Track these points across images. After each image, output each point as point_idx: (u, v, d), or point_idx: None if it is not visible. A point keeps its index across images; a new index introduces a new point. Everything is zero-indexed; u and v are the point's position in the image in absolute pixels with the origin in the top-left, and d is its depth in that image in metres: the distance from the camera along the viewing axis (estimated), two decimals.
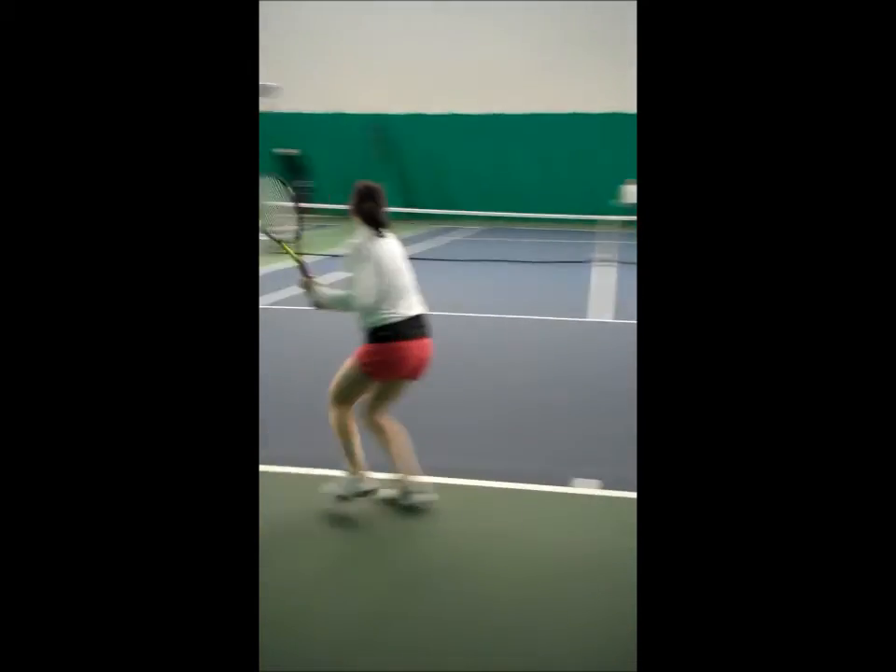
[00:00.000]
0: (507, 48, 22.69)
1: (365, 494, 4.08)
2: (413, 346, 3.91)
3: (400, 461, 4.08)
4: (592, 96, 22.89)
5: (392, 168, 24.60)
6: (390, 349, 3.88)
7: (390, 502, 4.11)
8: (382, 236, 3.93)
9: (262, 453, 2.53)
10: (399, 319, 3.87)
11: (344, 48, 23.57)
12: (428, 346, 3.99)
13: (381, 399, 4.07)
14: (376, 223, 3.92)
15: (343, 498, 4.06)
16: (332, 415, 4.06)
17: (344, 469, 4.08)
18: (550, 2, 21.50)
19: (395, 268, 3.92)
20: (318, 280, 4.03)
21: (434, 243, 18.12)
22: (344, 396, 4.03)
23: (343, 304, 3.91)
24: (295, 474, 4.55)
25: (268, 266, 10.94)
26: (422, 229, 21.21)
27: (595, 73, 22.64)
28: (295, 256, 4.11)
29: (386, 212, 3.96)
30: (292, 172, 26.60)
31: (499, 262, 14.31)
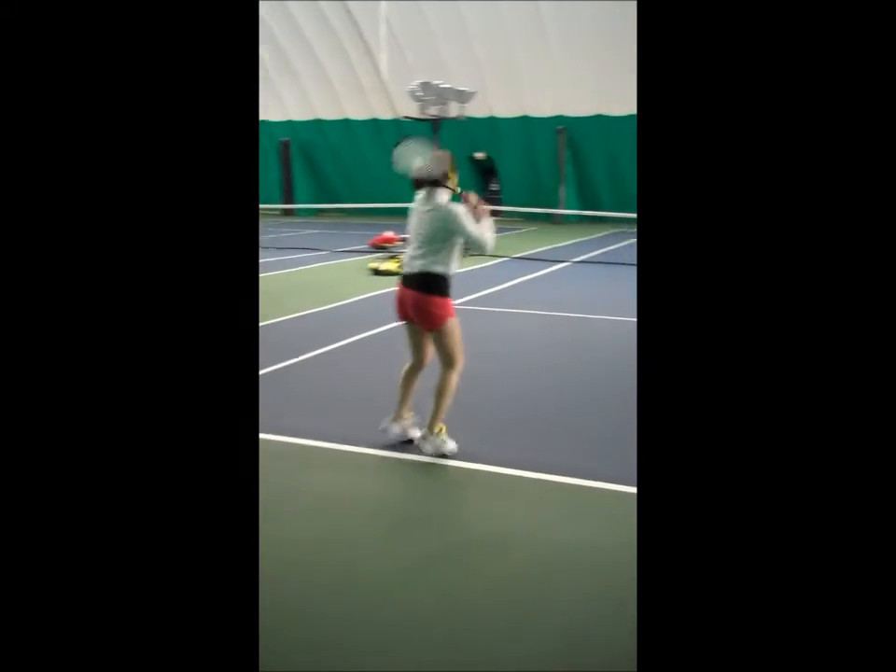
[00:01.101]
0: None
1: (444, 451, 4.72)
2: (400, 290, 4.74)
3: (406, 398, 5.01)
4: None
5: (576, 170, 25.10)
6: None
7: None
8: (427, 193, 4.64)
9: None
10: (402, 269, 4.78)
11: (531, 52, 24.06)
12: (410, 295, 4.64)
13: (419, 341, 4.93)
14: (416, 183, 4.69)
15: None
16: None
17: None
18: None
19: (414, 229, 4.71)
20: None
21: (610, 245, 18.26)
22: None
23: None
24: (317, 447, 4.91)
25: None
26: (602, 231, 21.42)
27: None
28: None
29: (438, 175, 4.57)
30: (483, 175, 27.63)
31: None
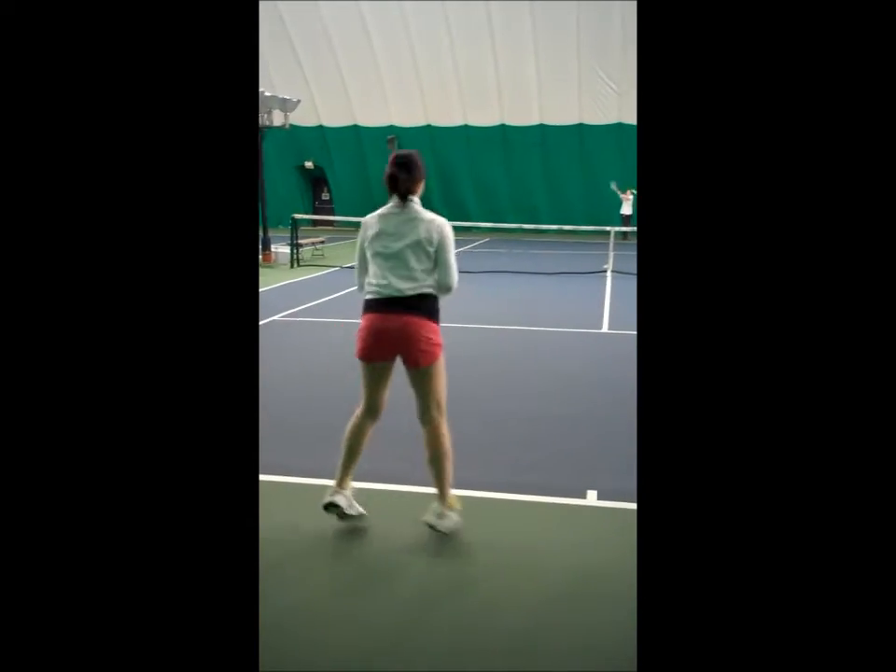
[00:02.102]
0: (519, 60, 23.09)
1: (342, 515, 3.85)
2: (379, 319, 3.69)
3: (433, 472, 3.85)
4: (599, 107, 23.35)
5: None
6: (363, 322, 3.76)
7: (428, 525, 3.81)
8: (400, 207, 3.72)
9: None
10: (374, 296, 3.72)
11: (358, 61, 23.97)
12: (404, 322, 3.66)
13: (414, 391, 3.82)
14: (392, 191, 3.71)
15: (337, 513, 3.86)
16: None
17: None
18: (558, 14, 21.88)
19: (387, 246, 3.70)
20: None
21: None
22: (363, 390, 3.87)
23: None
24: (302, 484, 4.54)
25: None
26: None
27: (600, 84, 23.07)
28: None
29: (413, 182, 3.71)
30: (313, 184, 27.25)
31: (510, 273, 14.63)
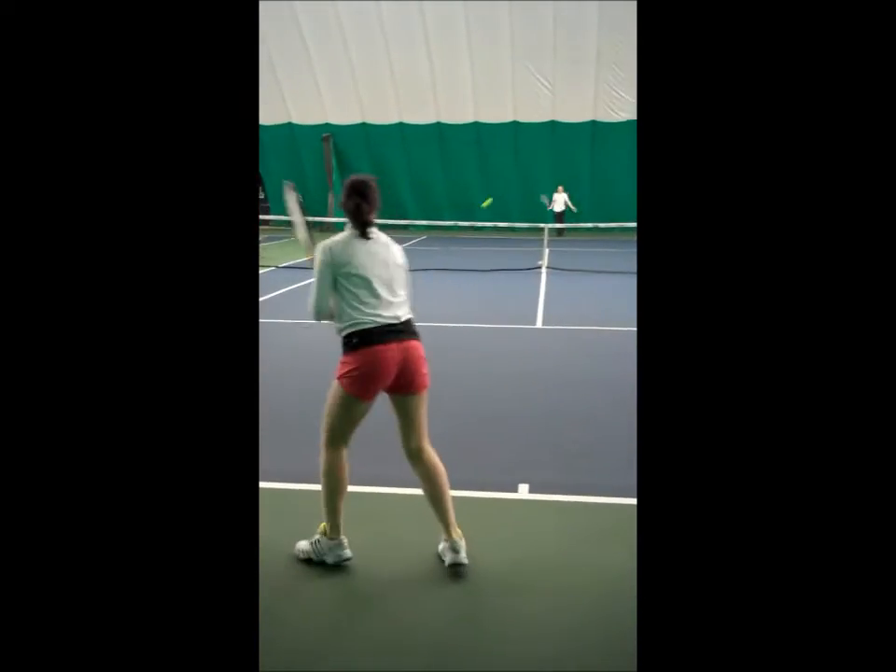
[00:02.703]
0: (453, 58, 23.21)
1: (341, 561, 3.57)
2: (385, 350, 3.45)
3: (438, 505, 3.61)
4: (533, 105, 23.63)
5: (342, 179, 25.06)
6: (360, 356, 3.45)
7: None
8: (367, 236, 3.54)
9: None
10: (371, 325, 3.46)
11: (292, 59, 23.80)
12: (412, 348, 3.53)
13: (404, 423, 3.62)
14: (359, 221, 3.54)
15: (311, 562, 3.60)
16: (321, 457, 3.57)
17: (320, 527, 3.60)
18: (491, 13, 22.06)
19: (371, 272, 3.50)
20: None
21: None
22: (330, 427, 3.56)
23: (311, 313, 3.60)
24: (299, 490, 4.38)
25: None
26: None
27: (533, 82, 23.36)
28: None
29: (374, 209, 3.58)
30: None
31: (446, 271, 14.71)
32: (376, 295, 3.50)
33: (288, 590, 3.42)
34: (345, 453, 3.60)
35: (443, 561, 3.55)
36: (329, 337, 3.81)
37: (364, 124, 25.00)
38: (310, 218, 3.96)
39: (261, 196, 27.07)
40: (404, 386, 3.54)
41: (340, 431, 3.55)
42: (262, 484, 4.38)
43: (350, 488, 3.64)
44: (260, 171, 26.40)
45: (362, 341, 3.46)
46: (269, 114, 24.97)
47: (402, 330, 3.51)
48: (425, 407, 3.62)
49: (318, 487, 3.62)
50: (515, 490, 4.44)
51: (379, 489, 4.43)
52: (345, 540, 3.58)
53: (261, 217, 22.24)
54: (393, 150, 25.01)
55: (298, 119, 25.24)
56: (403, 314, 3.56)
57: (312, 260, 3.64)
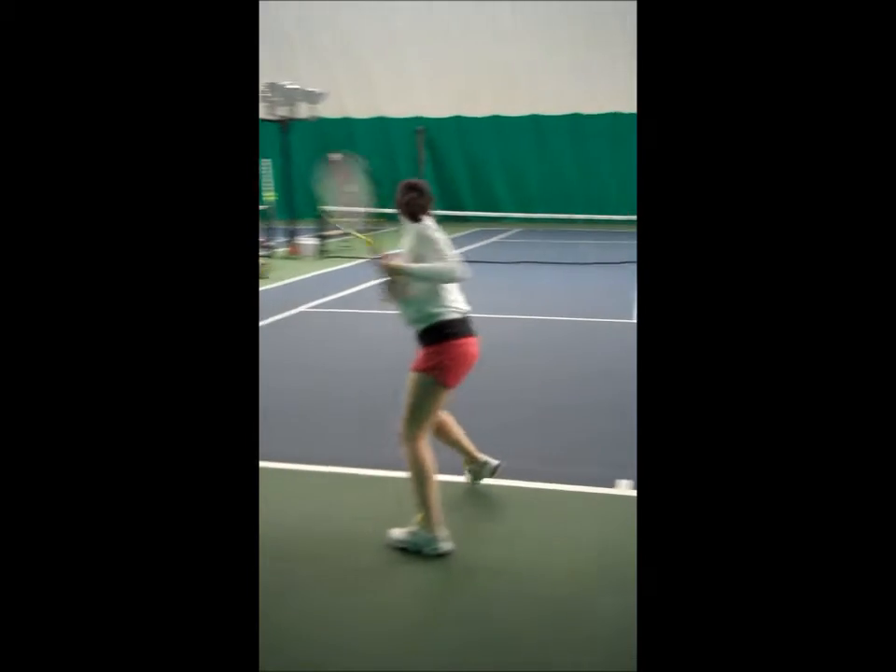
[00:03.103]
0: (548, 48, 22.83)
1: (438, 554, 3.53)
2: (472, 342, 3.66)
3: (464, 441, 4.10)
4: (632, 94, 23.01)
5: (436, 171, 24.94)
6: (453, 346, 3.57)
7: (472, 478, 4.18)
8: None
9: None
10: (458, 315, 3.64)
11: (385, 53, 23.84)
12: (476, 343, 3.71)
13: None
14: (416, 214, 3.68)
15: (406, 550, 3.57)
16: (406, 451, 3.58)
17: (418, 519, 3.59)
18: (590, 3, 21.57)
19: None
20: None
21: (473, 244, 18.36)
22: (417, 420, 3.59)
23: (439, 276, 3.56)
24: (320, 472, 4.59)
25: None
26: (464, 230, 21.54)
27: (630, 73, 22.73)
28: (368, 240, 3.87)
29: (430, 205, 3.73)
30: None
31: (539, 264, 14.44)
32: (455, 286, 3.71)
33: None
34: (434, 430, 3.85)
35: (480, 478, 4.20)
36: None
37: (458, 117, 24.79)
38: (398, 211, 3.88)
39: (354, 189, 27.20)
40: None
41: (427, 421, 3.65)
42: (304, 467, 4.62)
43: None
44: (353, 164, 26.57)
45: (458, 331, 3.62)
46: (361, 108, 25.07)
47: (471, 324, 3.75)
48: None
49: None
50: (612, 485, 4.40)
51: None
52: (443, 533, 3.55)
53: (353, 209, 22.31)
54: (486, 143, 24.72)
55: (390, 113, 25.19)
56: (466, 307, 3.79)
57: (379, 255, 3.68)
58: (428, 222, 3.68)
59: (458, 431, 4.09)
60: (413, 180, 3.86)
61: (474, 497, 4.26)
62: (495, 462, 4.22)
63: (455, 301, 3.65)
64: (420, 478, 3.53)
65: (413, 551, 3.54)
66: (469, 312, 3.71)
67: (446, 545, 3.54)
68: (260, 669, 2.07)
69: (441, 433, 4.04)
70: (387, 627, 3.06)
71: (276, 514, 3.86)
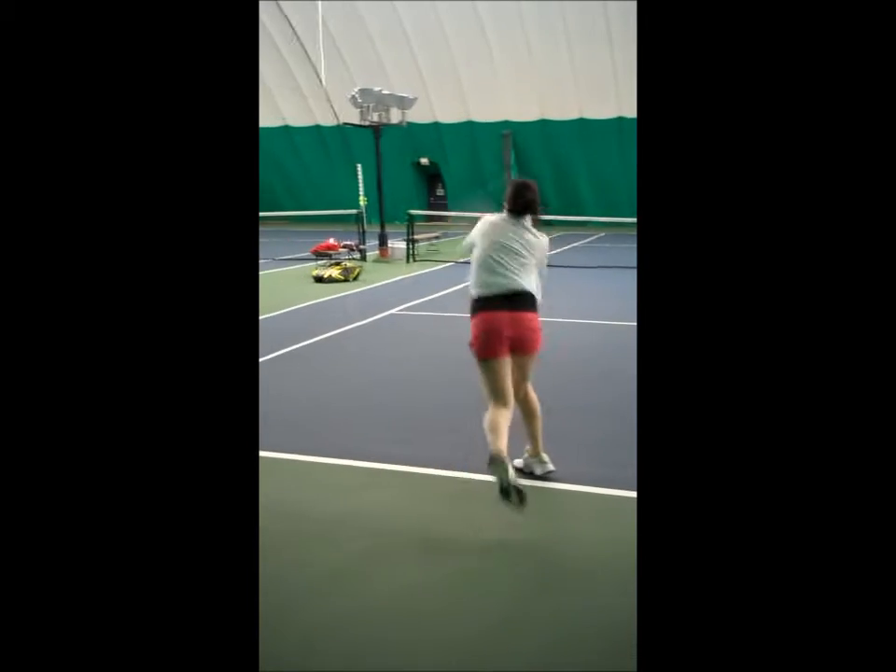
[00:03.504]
0: (631, 51, 22.70)
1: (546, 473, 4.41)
2: (498, 318, 4.12)
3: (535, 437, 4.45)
4: None
5: (521, 174, 25.13)
6: (476, 321, 4.18)
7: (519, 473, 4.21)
8: (513, 218, 4.28)
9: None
10: (488, 293, 4.17)
11: (473, 58, 24.08)
12: (520, 319, 4.13)
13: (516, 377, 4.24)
14: (508, 207, 4.31)
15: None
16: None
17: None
18: None
19: (501, 243, 4.21)
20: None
21: (557, 248, 18.40)
22: (485, 389, 4.21)
23: (462, 252, 4.59)
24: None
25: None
26: (549, 234, 21.55)
27: None
28: None
29: (522, 200, 4.28)
30: (428, 181, 27.56)
31: (624, 269, 14.47)
32: (503, 265, 4.23)
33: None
34: (499, 413, 4.14)
35: (531, 473, 4.47)
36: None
37: (543, 121, 24.93)
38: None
39: (441, 193, 27.58)
40: (521, 348, 4.22)
41: (490, 391, 4.23)
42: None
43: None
44: (441, 168, 26.95)
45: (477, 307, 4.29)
46: (450, 112, 25.43)
47: (516, 300, 4.20)
48: (528, 364, 4.31)
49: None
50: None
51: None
52: (545, 456, 4.49)
53: (441, 213, 22.75)
54: (572, 146, 24.80)
55: (478, 117, 25.49)
56: (521, 284, 4.21)
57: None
58: (508, 219, 4.33)
59: (534, 423, 4.46)
60: (515, 180, 4.55)
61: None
62: (551, 466, 4.52)
63: (486, 282, 4.22)
64: (489, 431, 4.03)
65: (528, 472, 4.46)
66: (505, 291, 4.18)
67: (549, 466, 4.50)
68: (261, 669, 2.08)
69: (523, 412, 4.46)
70: (385, 624, 3.08)
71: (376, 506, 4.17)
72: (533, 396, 4.43)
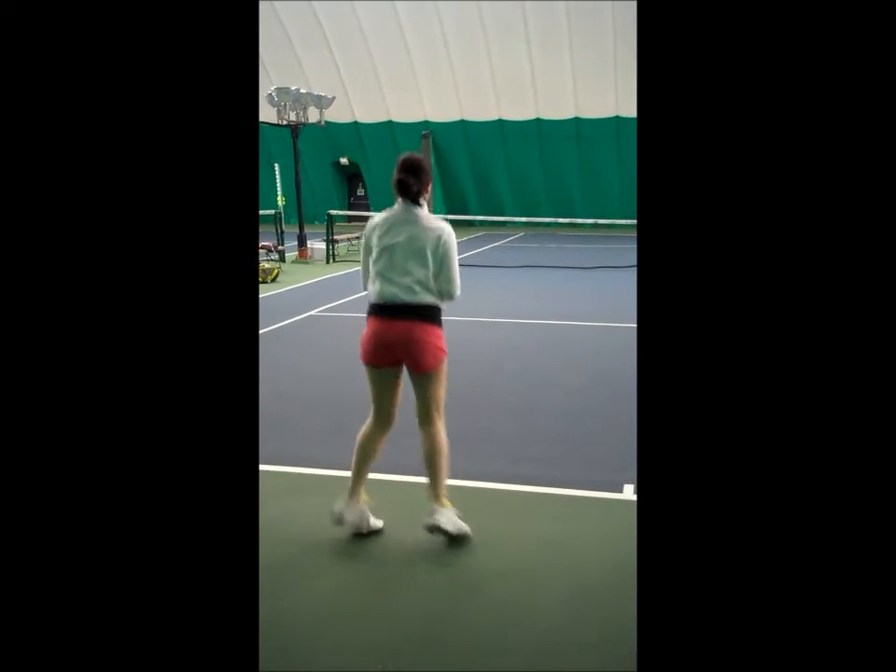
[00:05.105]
0: (552, 54, 23.01)
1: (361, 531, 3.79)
2: (382, 325, 3.66)
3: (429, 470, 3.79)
4: (633, 100, 23.15)
5: (442, 175, 25.17)
6: (368, 324, 3.74)
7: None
8: (408, 206, 3.71)
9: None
10: (377, 300, 3.69)
11: (392, 58, 24.04)
12: (407, 328, 3.62)
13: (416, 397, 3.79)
14: (399, 191, 3.72)
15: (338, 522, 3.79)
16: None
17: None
18: (597, 2, 21.74)
19: (392, 243, 3.67)
20: None
21: (478, 248, 18.51)
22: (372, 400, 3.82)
23: None
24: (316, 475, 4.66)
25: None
26: (470, 234, 21.64)
27: (630, 79, 22.85)
28: None
29: (413, 181, 3.71)
30: (348, 181, 27.37)
31: (543, 268, 14.57)
32: (393, 270, 3.68)
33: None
34: (373, 427, 3.86)
35: (443, 531, 3.68)
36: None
37: (463, 121, 25.02)
38: None
39: (361, 193, 27.43)
40: (410, 363, 3.71)
41: (373, 403, 3.84)
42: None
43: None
44: (361, 168, 26.80)
45: (369, 312, 3.79)
46: (370, 112, 25.31)
47: (404, 310, 3.65)
48: (425, 386, 3.74)
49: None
50: (621, 490, 4.38)
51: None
52: (448, 505, 3.78)
53: (361, 213, 22.62)
54: (492, 147, 24.96)
55: (397, 117, 25.44)
56: (414, 294, 3.65)
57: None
58: (399, 210, 3.80)
59: (432, 461, 3.79)
60: (404, 155, 3.90)
61: (471, 501, 4.17)
62: (462, 524, 3.78)
63: (375, 289, 3.70)
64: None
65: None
66: (399, 297, 3.64)
67: (345, 512, 3.85)
68: (261, 669, 2.07)
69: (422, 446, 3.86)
70: (387, 629, 3.08)
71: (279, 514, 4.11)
72: (437, 430, 3.75)
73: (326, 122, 17.91)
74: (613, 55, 22.32)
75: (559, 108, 23.89)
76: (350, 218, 24.56)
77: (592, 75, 22.86)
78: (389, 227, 3.73)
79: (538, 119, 24.32)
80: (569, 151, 24.35)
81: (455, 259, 3.73)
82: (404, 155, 3.84)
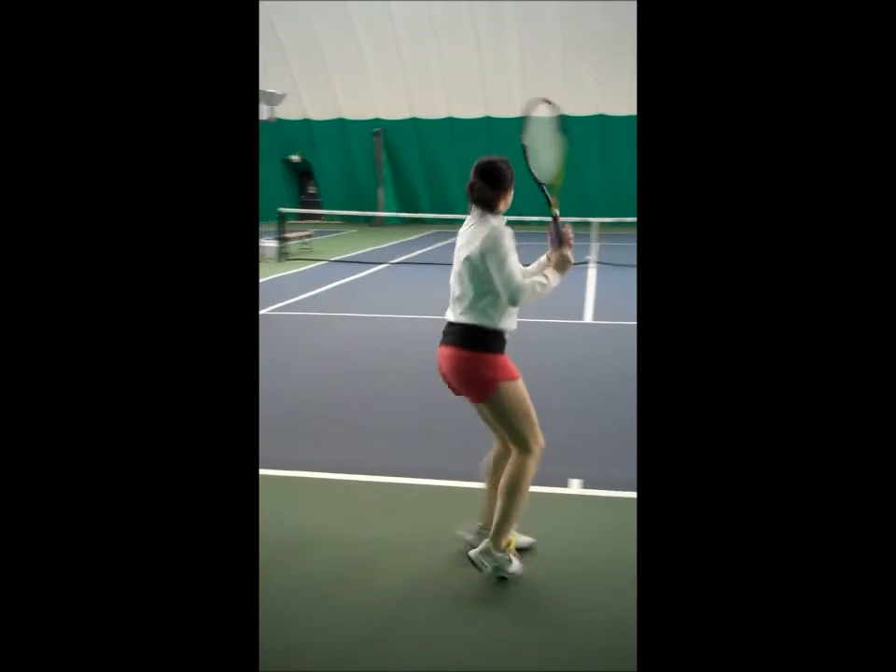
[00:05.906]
0: (503, 53, 23.18)
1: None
2: (439, 353, 3.34)
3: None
4: (580, 99, 23.45)
5: (393, 173, 25.22)
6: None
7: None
8: (478, 215, 3.31)
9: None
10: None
11: (344, 55, 23.99)
12: (448, 356, 3.27)
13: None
14: (471, 200, 3.32)
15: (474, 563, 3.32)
16: (528, 464, 3.34)
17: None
18: (544, 2, 21.94)
19: (455, 257, 3.35)
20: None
21: (429, 246, 18.57)
22: (531, 428, 3.36)
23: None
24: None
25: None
26: (421, 232, 21.74)
27: (579, 77, 23.17)
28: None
29: (483, 187, 3.30)
30: (299, 178, 27.20)
31: None
32: (453, 292, 3.36)
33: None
34: (494, 452, 3.52)
35: (477, 564, 3.36)
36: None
37: (414, 119, 25.08)
38: (358, 213, 4.02)
39: (313, 190, 27.33)
40: (463, 393, 3.34)
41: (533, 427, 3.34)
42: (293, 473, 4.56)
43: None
44: (312, 166, 26.70)
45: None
46: (321, 109, 25.23)
47: (448, 334, 3.31)
48: (490, 416, 3.34)
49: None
50: (566, 485, 4.44)
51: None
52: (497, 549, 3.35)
53: (313, 211, 22.55)
54: (442, 145, 25.06)
55: (349, 115, 25.40)
56: (458, 316, 3.28)
57: None
58: (467, 224, 3.42)
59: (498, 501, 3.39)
60: (481, 159, 3.43)
61: (464, 500, 4.13)
62: (514, 566, 3.43)
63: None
64: (524, 497, 3.37)
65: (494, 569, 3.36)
66: (450, 320, 3.37)
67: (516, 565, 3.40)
68: (261, 669, 2.06)
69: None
70: (383, 627, 3.07)
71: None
72: (514, 463, 3.32)
73: (277, 119, 17.82)
74: (562, 55, 22.57)
75: (508, 106, 24.07)
76: (301, 216, 24.48)
77: (538, 74, 23.07)
78: (460, 239, 3.35)
79: (487, 118, 24.47)
80: (519, 149, 24.45)
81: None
82: (482, 157, 3.39)
